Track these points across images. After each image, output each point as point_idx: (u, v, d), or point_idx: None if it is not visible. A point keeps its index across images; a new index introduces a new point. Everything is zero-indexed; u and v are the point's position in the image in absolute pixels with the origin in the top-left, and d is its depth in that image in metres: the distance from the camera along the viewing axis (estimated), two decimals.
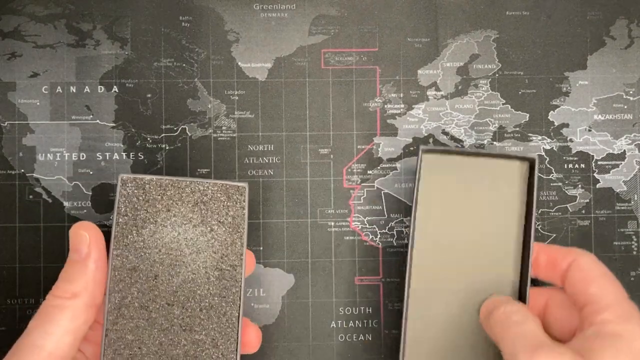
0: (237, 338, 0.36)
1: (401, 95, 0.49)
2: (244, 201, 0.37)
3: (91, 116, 0.48)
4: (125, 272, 0.36)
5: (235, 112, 0.49)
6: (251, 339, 0.40)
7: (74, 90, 0.48)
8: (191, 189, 0.36)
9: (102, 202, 0.48)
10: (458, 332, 0.41)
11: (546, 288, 0.42)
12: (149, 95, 0.48)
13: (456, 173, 0.42)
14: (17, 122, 0.48)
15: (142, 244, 0.36)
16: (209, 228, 0.36)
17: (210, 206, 0.37)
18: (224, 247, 0.37)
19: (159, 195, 0.36)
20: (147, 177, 0.36)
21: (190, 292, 0.36)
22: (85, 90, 0.48)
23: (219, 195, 0.37)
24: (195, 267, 0.36)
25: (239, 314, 0.37)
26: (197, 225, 0.36)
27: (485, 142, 0.49)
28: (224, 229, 0.37)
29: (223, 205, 0.37)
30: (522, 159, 0.42)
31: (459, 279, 0.42)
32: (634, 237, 0.49)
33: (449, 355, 0.40)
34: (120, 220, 0.36)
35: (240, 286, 0.36)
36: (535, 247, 0.41)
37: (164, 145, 0.48)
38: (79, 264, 0.36)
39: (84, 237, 0.36)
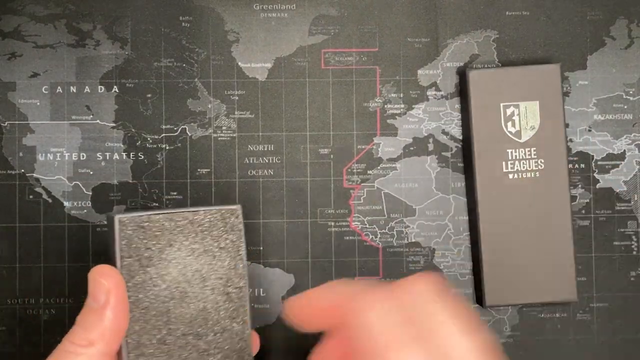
0: (250, 353, 0.37)
1: (401, 95, 0.49)
2: (240, 223, 0.37)
3: (91, 116, 0.48)
4: (139, 313, 0.36)
5: (235, 112, 0.49)
6: None
7: (74, 90, 0.48)
8: (189, 220, 0.36)
9: (102, 202, 0.48)
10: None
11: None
12: (149, 95, 0.48)
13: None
14: (17, 122, 0.48)
15: (150, 282, 0.36)
16: (211, 255, 0.37)
17: (210, 233, 0.37)
18: (227, 271, 0.37)
19: (158, 231, 0.36)
20: (144, 215, 0.36)
21: (203, 320, 0.36)
22: (85, 90, 0.48)
23: (216, 221, 0.37)
24: (204, 295, 0.37)
25: (249, 331, 0.37)
26: (201, 254, 0.37)
27: None
28: (225, 253, 0.37)
29: (222, 231, 0.37)
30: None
31: None
32: (634, 237, 0.49)
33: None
34: (125, 262, 0.36)
35: (247, 305, 0.37)
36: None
37: (164, 145, 0.48)
38: (96, 312, 0.35)
39: (102, 285, 0.34)
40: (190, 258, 0.36)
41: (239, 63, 0.49)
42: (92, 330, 0.34)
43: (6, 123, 0.48)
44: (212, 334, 0.36)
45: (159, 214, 0.36)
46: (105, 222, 0.47)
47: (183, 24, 0.49)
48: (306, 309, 0.34)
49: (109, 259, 0.37)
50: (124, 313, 0.35)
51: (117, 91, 0.48)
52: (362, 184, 0.49)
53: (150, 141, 0.48)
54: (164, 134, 0.48)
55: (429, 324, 0.29)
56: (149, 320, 0.36)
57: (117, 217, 0.36)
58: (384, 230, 0.48)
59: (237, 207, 0.38)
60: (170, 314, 0.36)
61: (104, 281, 0.35)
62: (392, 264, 0.48)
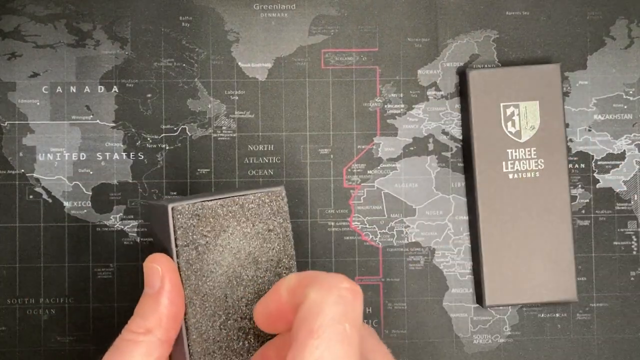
0: None
1: (401, 95, 0.49)
2: (285, 205, 0.37)
3: (91, 116, 0.48)
4: (199, 301, 0.36)
5: (235, 112, 0.49)
6: None
7: (74, 90, 0.48)
8: (239, 204, 0.36)
9: (102, 202, 0.48)
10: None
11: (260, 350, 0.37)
12: (149, 95, 0.48)
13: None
14: (17, 122, 0.48)
15: (207, 269, 0.36)
16: (262, 238, 0.37)
17: (259, 217, 0.37)
18: (277, 252, 0.37)
19: (211, 217, 0.36)
20: (197, 202, 0.35)
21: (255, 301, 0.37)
22: (85, 90, 0.48)
23: (263, 204, 0.37)
24: (258, 278, 0.37)
25: None
26: (252, 238, 0.37)
27: None
28: (274, 235, 0.37)
29: (269, 213, 0.37)
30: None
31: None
32: (634, 237, 0.49)
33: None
34: (183, 251, 0.35)
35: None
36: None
37: (164, 145, 0.48)
38: (152, 298, 0.34)
39: (157, 270, 0.34)
40: (243, 242, 0.36)
41: (239, 63, 0.49)
42: (150, 317, 0.34)
43: (6, 123, 0.48)
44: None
45: (211, 200, 0.36)
46: (106, 223, 0.47)
47: (183, 24, 0.49)
48: (264, 313, 0.34)
49: (161, 249, 0.36)
50: (180, 298, 0.35)
51: (117, 91, 0.48)
52: (362, 184, 0.49)
53: (150, 141, 0.48)
54: (164, 134, 0.48)
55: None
56: (209, 307, 0.36)
57: (170, 206, 0.35)
58: (384, 230, 0.48)
59: (281, 189, 0.37)
60: (228, 299, 0.36)
61: (157, 267, 0.34)
62: (392, 264, 0.48)
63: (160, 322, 0.34)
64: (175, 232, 0.35)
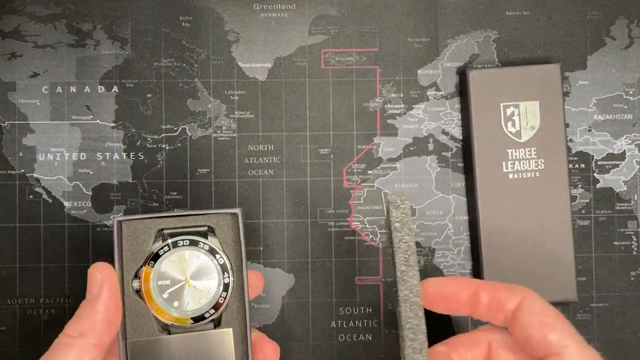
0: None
1: (401, 95, 0.49)
2: (404, 203, 0.37)
3: (91, 116, 0.48)
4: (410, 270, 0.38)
5: (235, 112, 0.49)
6: (267, 356, 0.39)
7: (74, 90, 0.48)
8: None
9: (102, 202, 0.48)
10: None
11: (486, 328, 0.39)
12: (149, 95, 0.48)
13: None
14: (17, 122, 0.48)
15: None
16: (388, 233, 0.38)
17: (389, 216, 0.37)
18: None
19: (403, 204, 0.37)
20: (404, 194, 0.37)
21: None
22: (85, 90, 0.48)
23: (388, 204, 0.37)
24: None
25: (418, 275, 0.37)
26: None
27: None
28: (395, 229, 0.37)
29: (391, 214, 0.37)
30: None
31: None
32: (634, 237, 0.49)
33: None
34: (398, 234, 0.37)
35: (415, 255, 0.37)
36: (473, 284, 0.38)
37: (164, 145, 0.48)
38: (90, 303, 0.36)
39: (96, 278, 0.36)
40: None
41: (239, 63, 0.49)
42: (84, 321, 0.36)
43: (6, 123, 0.48)
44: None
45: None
46: (106, 223, 0.47)
47: (183, 24, 0.49)
48: (441, 292, 0.38)
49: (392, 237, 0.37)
50: (115, 306, 0.36)
51: (117, 91, 0.48)
52: (362, 184, 0.49)
53: (150, 141, 0.48)
54: (164, 134, 0.48)
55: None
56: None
57: (390, 196, 0.37)
58: (384, 230, 0.48)
59: (404, 193, 0.37)
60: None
61: (97, 274, 0.36)
62: (392, 264, 0.48)
63: (94, 325, 0.36)
64: (394, 217, 0.36)
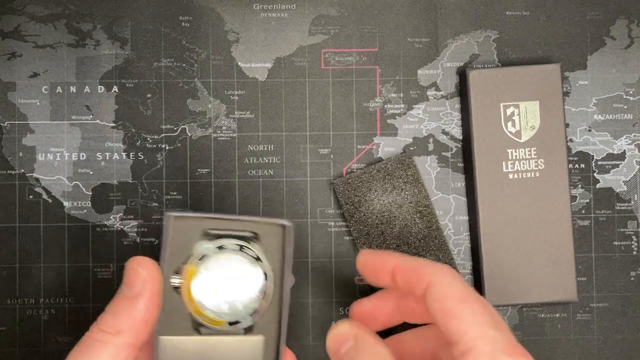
0: (447, 250, 0.48)
1: (401, 95, 0.49)
2: (413, 162, 0.48)
3: (91, 116, 0.48)
4: (363, 239, 0.47)
5: (235, 112, 0.49)
6: None
7: (74, 90, 0.48)
8: (377, 170, 0.47)
9: (102, 202, 0.48)
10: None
11: (396, 337, 0.40)
12: (149, 95, 0.48)
13: None
14: (17, 122, 0.48)
15: (364, 216, 0.47)
16: (399, 189, 0.47)
17: (394, 175, 0.47)
18: (414, 196, 0.47)
19: (360, 183, 0.47)
20: (348, 176, 0.48)
21: (407, 233, 0.47)
22: (85, 90, 0.48)
23: (396, 165, 0.47)
24: (403, 217, 0.47)
25: (443, 233, 0.48)
26: (393, 190, 0.47)
27: None
28: (409, 185, 0.47)
29: (401, 171, 0.47)
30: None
31: None
32: (634, 237, 0.49)
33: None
34: (345, 208, 0.47)
35: (436, 216, 0.48)
36: (391, 264, 0.37)
37: (164, 145, 0.48)
38: (129, 300, 0.34)
39: (140, 274, 0.34)
40: (385, 195, 0.47)
41: (239, 63, 0.49)
42: (122, 319, 0.34)
43: (6, 123, 0.48)
44: (416, 241, 0.47)
45: (355, 172, 0.48)
46: (106, 223, 0.47)
47: (183, 24, 0.49)
48: (375, 264, 0.38)
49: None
50: (156, 307, 0.35)
51: (117, 91, 0.48)
52: None
53: (150, 141, 0.48)
54: (163, 134, 0.48)
55: None
56: (372, 241, 0.47)
57: (333, 182, 0.48)
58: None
59: (409, 154, 0.48)
60: (385, 234, 0.47)
61: (142, 270, 0.35)
62: None
63: (132, 325, 0.34)
64: (341, 197, 0.47)
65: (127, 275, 0.35)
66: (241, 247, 0.37)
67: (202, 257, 0.37)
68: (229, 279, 0.37)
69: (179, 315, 0.37)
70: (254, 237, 0.38)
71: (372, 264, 0.38)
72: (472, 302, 0.34)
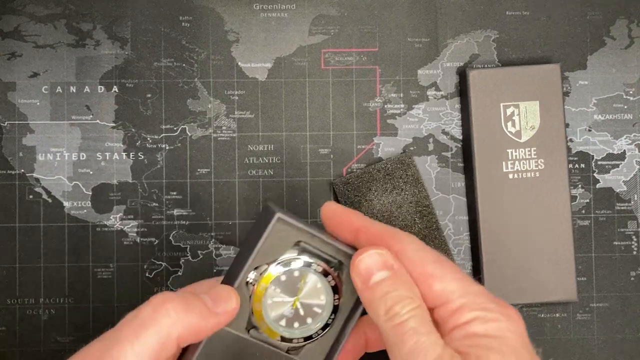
0: (447, 249, 0.48)
1: (401, 95, 0.49)
2: (413, 162, 0.48)
3: (91, 116, 0.48)
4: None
5: (235, 112, 0.49)
6: None
7: (74, 90, 0.48)
8: (377, 170, 0.47)
9: (102, 202, 0.48)
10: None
11: (358, 326, 0.38)
12: (149, 95, 0.48)
13: None
14: (17, 122, 0.48)
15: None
16: (399, 189, 0.47)
17: (393, 175, 0.47)
18: (414, 196, 0.47)
19: (359, 183, 0.47)
20: (348, 176, 0.48)
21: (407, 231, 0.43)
22: (85, 90, 0.48)
23: (396, 165, 0.47)
24: (402, 217, 0.47)
25: (443, 233, 0.48)
26: (392, 190, 0.47)
27: None
28: (409, 185, 0.47)
29: (402, 171, 0.47)
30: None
31: None
32: (634, 237, 0.49)
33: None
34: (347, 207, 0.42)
35: (436, 216, 0.48)
36: (356, 225, 0.36)
37: (164, 145, 0.48)
38: (209, 313, 0.34)
39: (233, 299, 0.34)
40: (385, 194, 0.47)
41: (239, 63, 0.49)
42: (194, 315, 0.33)
43: (6, 123, 0.48)
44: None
45: (355, 172, 0.48)
46: (106, 223, 0.47)
47: (183, 24, 0.49)
48: (341, 218, 0.37)
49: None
50: (210, 333, 0.34)
51: (117, 91, 0.48)
52: None
53: (150, 141, 0.48)
54: (163, 134, 0.48)
55: None
56: None
57: (333, 182, 0.48)
58: None
59: (409, 154, 0.48)
60: None
61: (233, 297, 0.34)
62: None
63: (196, 325, 0.33)
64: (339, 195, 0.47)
65: (217, 295, 0.34)
66: (325, 273, 0.36)
67: (287, 265, 0.36)
68: (302, 299, 0.36)
69: (239, 311, 0.36)
70: (339, 265, 0.37)
71: (338, 217, 0.37)
72: (445, 262, 0.34)
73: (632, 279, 0.48)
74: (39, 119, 0.48)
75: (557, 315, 0.48)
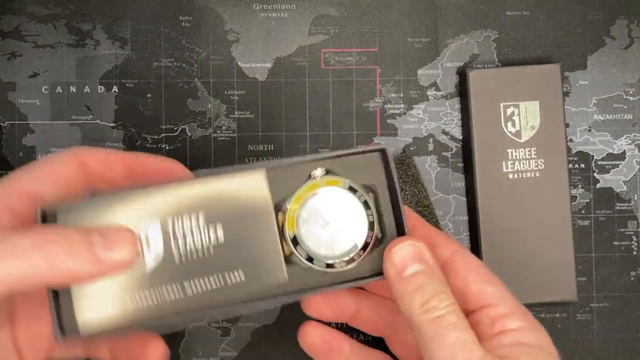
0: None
1: (401, 95, 0.49)
2: (413, 162, 0.47)
3: (91, 116, 0.48)
4: None
5: (235, 112, 0.49)
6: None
7: (74, 90, 0.48)
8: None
9: None
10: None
11: (357, 293, 0.40)
12: (149, 95, 0.48)
13: None
14: (17, 122, 0.48)
15: None
16: (399, 189, 0.39)
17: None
18: (414, 196, 0.47)
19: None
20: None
21: None
22: (85, 90, 0.48)
23: (395, 167, 0.39)
24: None
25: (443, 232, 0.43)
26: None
27: None
28: (408, 185, 0.47)
29: (400, 173, 0.47)
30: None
31: None
32: (634, 237, 0.49)
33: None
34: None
35: (436, 215, 0.47)
36: (412, 219, 0.37)
37: (164, 145, 0.48)
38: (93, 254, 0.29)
39: (125, 249, 0.30)
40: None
41: (239, 63, 0.49)
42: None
43: (6, 123, 0.48)
44: None
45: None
46: None
47: (183, 24, 0.49)
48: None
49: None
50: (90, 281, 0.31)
51: (117, 91, 0.48)
52: None
53: (150, 141, 0.48)
54: (163, 134, 0.48)
55: None
56: None
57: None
58: None
59: (409, 154, 0.47)
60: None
61: (128, 246, 0.30)
62: None
63: (75, 276, 0.29)
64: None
65: (112, 236, 0.30)
66: (354, 189, 0.35)
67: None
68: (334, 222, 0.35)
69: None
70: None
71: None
72: (496, 278, 0.36)
73: (632, 279, 0.48)
74: (39, 119, 0.48)
75: (557, 315, 0.48)
